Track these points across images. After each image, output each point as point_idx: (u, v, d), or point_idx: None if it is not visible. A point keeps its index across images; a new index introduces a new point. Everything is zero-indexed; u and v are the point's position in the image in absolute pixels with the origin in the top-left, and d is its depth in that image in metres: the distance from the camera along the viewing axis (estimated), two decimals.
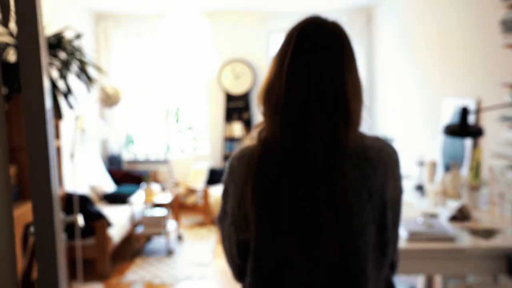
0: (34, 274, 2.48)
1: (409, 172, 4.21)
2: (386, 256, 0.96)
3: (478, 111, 2.85)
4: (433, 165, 3.27)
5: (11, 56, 2.61)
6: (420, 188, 3.23)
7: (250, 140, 0.98)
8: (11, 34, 2.57)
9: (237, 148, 1.00)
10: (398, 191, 0.96)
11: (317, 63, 0.90)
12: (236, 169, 0.97)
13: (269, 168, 0.91)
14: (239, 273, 1.03)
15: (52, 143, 0.79)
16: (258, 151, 0.93)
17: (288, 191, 0.88)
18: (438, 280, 2.62)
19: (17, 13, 0.75)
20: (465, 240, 2.03)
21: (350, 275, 0.90)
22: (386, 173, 0.92)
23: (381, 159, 0.93)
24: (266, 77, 0.96)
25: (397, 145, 4.75)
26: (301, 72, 0.90)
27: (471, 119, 2.82)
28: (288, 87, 0.90)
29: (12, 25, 1.91)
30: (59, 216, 0.82)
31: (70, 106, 2.88)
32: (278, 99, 0.91)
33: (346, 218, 0.88)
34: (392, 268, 1.04)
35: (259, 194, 0.91)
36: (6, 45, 2.59)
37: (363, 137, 0.95)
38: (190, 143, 6.17)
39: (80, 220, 2.48)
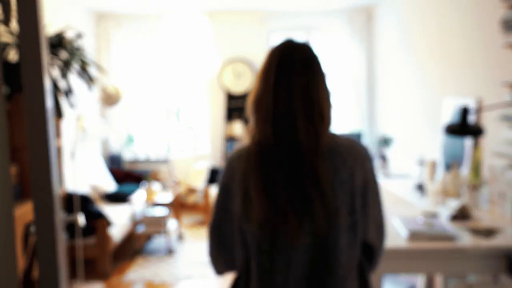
0: (35, 272, 2.48)
1: (409, 171, 4.21)
2: (357, 236, 1.13)
3: (478, 110, 2.85)
4: (433, 165, 3.27)
5: (11, 55, 2.61)
6: (420, 187, 3.24)
7: (243, 143, 1.18)
8: (11, 33, 2.58)
9: (233, 151, 1.19)
10: (367, 181, 1.14)
11: (296, 79, 1.11)
12: (237, 167, 1.14)
13: (265, 163, 1.10)
14: (224, 269, 1.25)
15: (53, 143, 0.79)
16: (254, 150, 1.12)
17: (283, 181, 1.08)
18: (438, 279, 2.62)
19: (18, 12, 0.76)
20: (466, 240, 2.03)
21: (326, 249, 1.09)
22: (354, 166, 1.12)
23: (350, 155, 1.12)
24: (253, 91, 1.15)
25: (397, 145, 4.75)
26: (284, 87, 1.10)
27: (471, 118, 2.82)
28: (275, 99, 1.10)
29: (13, 25, 1.92)
30: (60, 216, 0.83)
31: (71, 106, 2.88)
32: (267, 109, 1.11)
33: (326, 202, 1.07)
34: (371, 259, 1.21)
35: (260, 185, 1.08)
36: (6, 44, 2.59)
37: (335, 136, 1.15)
38: (190, 143, 6.17)
39: (82, 219, 2.48)
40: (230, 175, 1.15)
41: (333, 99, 1.17)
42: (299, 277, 1.10)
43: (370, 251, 1.21)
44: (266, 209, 1.07)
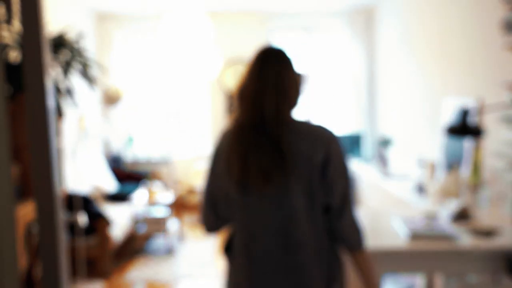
0: (36, 272, 2.49)
1: (409, 172, 4.22)
2: (314, 201, 1.41)
3: (479, 111, 2.86)
4: (434, 165, 3.27)
5: (12, 56, 2.62)
6: (420, 188, 3.24)
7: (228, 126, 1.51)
8: (12, 34, 2.58)
9: (220, 133, 1.54)
10: (329, 158, 1.41)
11: (270, 73, 1.43)
12: (223, 140, 1.49)
13: (243, 135, 1.42)
14: (213, 225, 1.55)
15: (54, 143, 0.80)
16: (236, 127, 1.45)
17: (254, 148, 1.40)
18: (438, 279, 2.62)
19: (22, 12, 0.76)
20: (466, 240, 2.03)
21: (289, 207, 1.39)
22: (315, 144, 1.40)
23: (312, 135, 1.41)
24: (240, 83, 1.47)
25: (397, 145, 4.75)
26: (261, 79, 1.42)
27: (472, 119, 2.82)
28: (254, 88, 1.42)
29: (14, 25, 1.92)
30: (61, 215, 0.83)
31: (72, 105, 2.89)
32: (248, 96, 1.43)
33: (288, 169, 1.37)
34: (338, 215, 1.44)
35: (237, 151, 1.41)
36: (7, 45, 2.60)
37: (304, 122, 1.45)
38: (191, 143, 6.18)
39: (83, 219, 2.49)
40: (219, 146, 1.50)
41: (302, 88, 1.50)
42: (271, 231, 1.40)
43: (334, 211, 1.44)
44: (241, 169, 1.39)
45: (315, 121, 1.49)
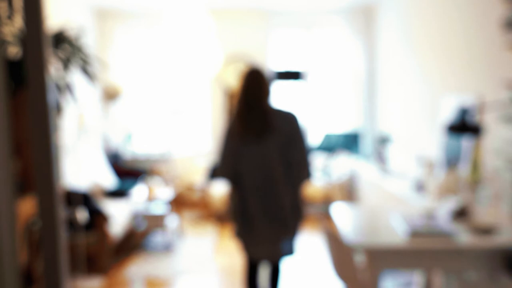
0: (35, 267, 2.50)
1: (409, 169, 4.22)
2: (283, 155, 2.40)
3: (479, 109, 2.86)
4: (433, 162, 3.27)
5: (12, 52, 2.61)
6: (419, 185, 3.25)
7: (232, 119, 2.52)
8: (13, 30, 2.58)
9: (227, 123, 2.52)
10: (293, 132, 2.40)
11: (253, 87, 2.46)
12: (231, 128, 2.48)
13: (242, 114, 2.45)
14: (228, 171, 2.50)
15: (55, 139, 0.80)
16: (238, 112, 2.47)
17: (249, 121, 2.42)
18: (437, 277, 2.63)
19: (24, 9, 0.76)
20: (464, 237, 2.04)
21: (269, 159, 2.39)
22: (285, 122, 2.40)
23: (283, 116, 2.42)
24: (237, 96, 2.51)
25: (397, 143, 4.75)
26: (250, 91, 2.46)
27: (472, 117, 2.82)
28: (246, 95, 2.46)
29: (15, 22, 1.92)
30: (62, 210, 0.84)
31: (72, 101, 2.89)
32: (243, 93, 2.47)
33: (268, 144, 2.38)
34: (298, 164, 2.42)
35: (240, 124, 2.44)
36: (7, 41, 2.59)
37: (279, 110, 2.45)
38: (191, 139, 6.18)
39: (83, 215, 2.50)
40: (229, 131, 2.49)
41: (272, 92, 2.49)
42: (259, 170, 2.41)
43: (297, 162, 2.42)
44: (243, 128, 2.42)
45: (285, 108, 2.48)
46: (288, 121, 2.38)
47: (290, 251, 2.48)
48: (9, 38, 2.61)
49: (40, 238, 0.82)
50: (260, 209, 2.39)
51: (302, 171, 2.40)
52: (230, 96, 5.55)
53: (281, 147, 2.36)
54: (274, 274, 2.60)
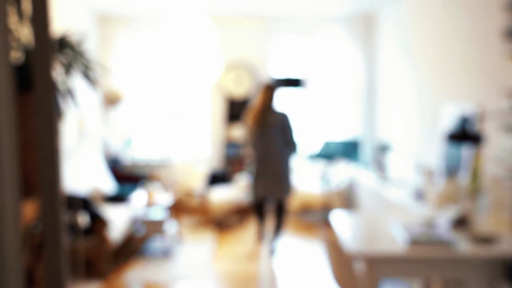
0: (36, 270, 2.49)
1: (408, 177, 4.22)
2: (282, 141, 4.11)
3: (479, 118, 2.87)
4: (433, 171, 3.28)
5: (15, 57, 2.62)
6: (419, 193, 3.25)
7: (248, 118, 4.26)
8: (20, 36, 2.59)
9: (246, 123, 4.26)
10: (285, 126, 4.08)
11: (265, 91, 4.20)
12: (247, 119, 4.24)
13: (254, 114, 4.17)
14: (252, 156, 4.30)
15: (59, 143, 0.81)
16: (252, 112, 4.20)
17: (256, 126, 4.17)
18: (436, 285, 2.63)
19: (33, 15, 0.77)
20: (464, 247, 2.04)
21: (273, 144, 4.13)
22: (279, 119, 4.09)
23: (278, 115, 4.10)
24: (251, 107, 4.29)
25: (396, 151, 4.76)
26: (262, 94, 4.23)
27: (472, 126, 2.83)
28: (260, 97, 4.24)
29: (22, 28, 1.93)
30: (64, 214, 0.84)
31: (73, 106, 2.89)
32: (257, 99, 4.24)
33: (269, 131, 4.11)
34: (289, 145, 4.15)
35: (252, 118, 4.18)
36: (14, 47, 2.60)
37: (277, 111, 4.12)
38: (191, 145, 6.18)
39: (84, 219, 2.50)
40: (247, 130, 4.21)
41: (277, 93, 4.14)
42: (266, 150, 4.13)
43: (288, 145, 4.13)
44: (254, 123, 4.11)
45: (281, 110, 4.08)
46: (282, 117, 4.06)
47: (286, 192, 4.20)
48: (13, 43, 2.62)
49: (41, 241, 0.82)
50: (266, 168, 4.14)
51: (291, 149, 4.13)
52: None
53: (277, 134, 4.04)
54: (279, 209, 4.29)
